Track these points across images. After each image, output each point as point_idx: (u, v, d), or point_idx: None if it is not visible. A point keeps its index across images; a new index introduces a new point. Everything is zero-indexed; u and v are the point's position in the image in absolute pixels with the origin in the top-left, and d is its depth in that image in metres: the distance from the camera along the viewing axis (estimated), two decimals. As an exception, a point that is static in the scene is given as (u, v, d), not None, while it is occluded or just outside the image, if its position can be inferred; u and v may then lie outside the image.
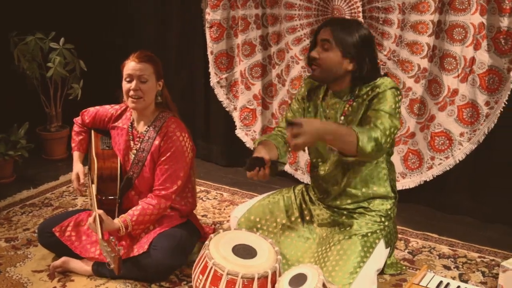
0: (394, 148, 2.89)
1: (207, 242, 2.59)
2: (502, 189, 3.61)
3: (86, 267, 2.99)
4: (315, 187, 2.99)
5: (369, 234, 2.73)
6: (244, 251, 2.55)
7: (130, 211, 2.94)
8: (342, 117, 2.74)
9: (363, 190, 2.82)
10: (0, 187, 4.17)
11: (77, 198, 3.98)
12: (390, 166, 2.87)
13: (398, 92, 2.63)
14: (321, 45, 2.67)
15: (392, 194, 2.86)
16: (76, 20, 5.01)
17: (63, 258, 3.02)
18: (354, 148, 2.42)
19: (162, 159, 2.97)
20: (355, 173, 2.80)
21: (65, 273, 3.00)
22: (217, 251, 2.51)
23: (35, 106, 4.76)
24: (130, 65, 2.95)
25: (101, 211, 2.81)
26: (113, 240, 2.73)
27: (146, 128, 3.05)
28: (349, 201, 2.85)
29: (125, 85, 2.96)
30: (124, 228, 2.87)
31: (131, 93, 2.93)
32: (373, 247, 2.70)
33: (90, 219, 2.83)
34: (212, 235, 2.64)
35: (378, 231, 2.75)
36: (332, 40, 2.64)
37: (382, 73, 2.79)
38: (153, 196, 2.97)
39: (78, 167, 3.16)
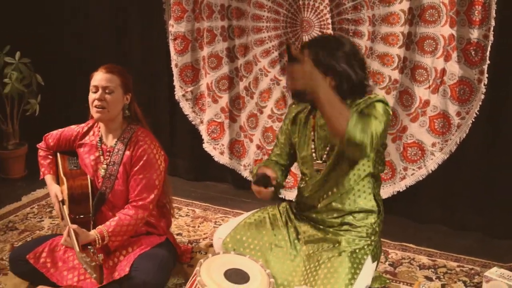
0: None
1: (197, 267, 2.52)
2: (472, 198, 3.68)
3: (64, 295, 2.88)
4: (301, 201, 2.97)
5: (357, 251, 2.71)
6: (237, 276, 2.49)
7: (107, 222, 2.86)
8: None
9: (348, 204, 2.81)
10: (-42, 211, 3.98)
11: (43, 220, 3.83)
12: (375, 180, 2.87)
13: (386, 104, 2.63)
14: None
15: (377, 208, 2.86)
16: (31, 32, 4.84)
17: (39, 287, 2.89)
18: (341, 129, 2.38)
19: (135, 169, 2.92)
20: (341, 187, 2.79)
21: (42, 303, 2.88)
22: (210, 277, 2.44)
23: (-11, 123, 4.57)
24: (97, 76, 2.92)
25: (75, 226, 2.73)
26: (91, 249, 2.67)
27: (115, 142, 2.99)
28: (335, 214, 2.83)
29: (91, 96, 2.92)
30: (100, 240, 2.79)
31: (96, 103, 2.89)
32: (362, 263, 2.69)
33: (65, 235, 2.75)
34: (201, 260, 2.56)
35: (365, 247, 2.74)
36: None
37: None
38: (130, 207, 2.91)
39: (55, 187, 3.05)
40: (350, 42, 2.77)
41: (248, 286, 2.45)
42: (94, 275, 2.59)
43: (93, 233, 2.79)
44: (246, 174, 4.34)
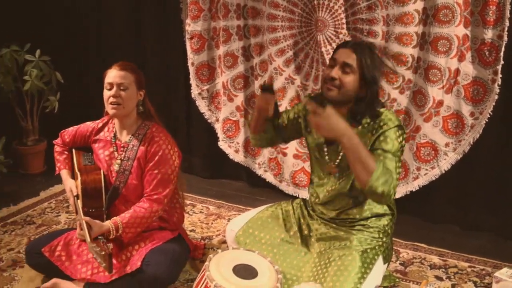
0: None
1: (206, 262, 2.56)
2: (486, 198, 3.67)
3: (77, 288, 2.93)
4: (314, 202, 2.99)
5: (368, 250, 2.73)
6: (245, 271, 2.53)
7: (121, 214, 2.92)
8: None
9: (362, 211, 2.83)
10: (-22, 205, 4.07)
11: (60, 215, 3.90)
12: None
13: (402, 131, 2.65)
14: (341, 67, 2.67)
15: (389, 211, 2.88)
16: (52, 31, 4.93)
17: (54, 280, 2.95)
18: (363, 180, 2.46)
19: (150, 164, 2.97)
20: (356, 195, 2.81)
21: (56, 296, 2.94)
22: (218, 272, 2.49)
23: (10, 120, 4.65)
24: (111, 73, 2.98)
25: (87, 218, 2.79)
26: (101, 239, 2.75)
27: (130, 137, 3.05)
28: (348, 220, 2.87)
29: (106, 93, 2.97)
30: (114, 230, 2.85)
31: (111, 99, 2.94)
32: (373, 263, 2.71)
33: (78, 228, 2.83)
34: (210, 255, 2.61)
35: (377, 247, 2.76)
36: (355, 66, 2.66)
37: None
38: (145, 200, 2.96)
39: (70, 182, 3.10)
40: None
41: (256, 282, 2.49)
42: (104, 264, 2.65)
43: (108, 223, 2.85)
44: (260, 172, 4.37)
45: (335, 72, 2.67)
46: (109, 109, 2.98)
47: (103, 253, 2.61)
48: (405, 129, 2.73)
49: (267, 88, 2.91)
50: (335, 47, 3.00)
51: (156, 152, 2.97)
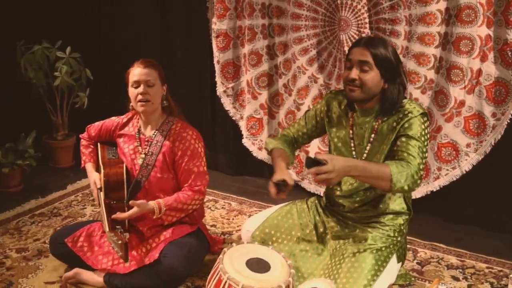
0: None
1: (220, 255, 2.61)
2: (507, 199, 3.65)
3: (98, 278, 3.01)
4: (331, 198, 3.03)
5: (383, 249, 2.75)
6: (258, 265, 2.57)
7: (165, 198, 3.00)
8: (373, 135, 2.77)
9: (380, 207, 2.86)
10: (8, 197, 4.19)
11: (85, 208, 4.01)
12: None
13: (426, 118, 2.67)
14: (359, 66, 2.68)
15: (407, 211, 2.89)
16: (82, 28, 5.05)
17: (75, 270, 3.04)
18: (387, 188, 2.51)
19: (185, 161, 3.05)
20: (371, 191, 2.84)
21: (77, 285, 3.02)
22: (231, 265, 2.53)
23: (40, 114, 4.78)
24: (136, 71, 3.04)
25: (132, 202, 2.87)
26: (119, 229, 2.82)
27: (154, 132, 3.12)
28: (365, 216, 2.89)
29: (133, 91, 3.04)
30: (158, 210, 2.92)
31: (139, 97, 3.01)
32: (387, 262, 2.72)
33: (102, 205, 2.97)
34: (225, 249, 2.65)
35: (391, 246, 2.78)
36: (372, 62, 2.67)
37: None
38: (187, 189, 3.04)
39: (94, 175, 3.17)
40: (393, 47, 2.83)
41: (268, 275, 2.52)
42: (120, 253, 2.74)
43: (152, 203, 2.93)
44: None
45: (354, 73, 2.69)
46: (138, 106, 3.05)
47: (119, 242, 2.69)
48: (428, 115, 2.72)
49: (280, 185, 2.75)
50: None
51: (187, 148, 3.05)
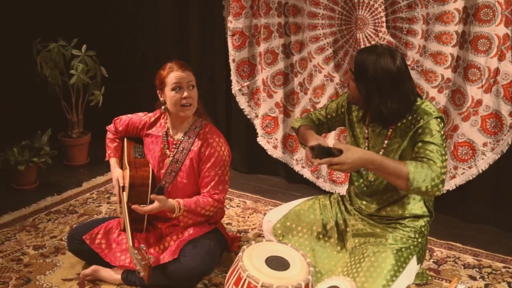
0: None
1: (240, 253, 2.62)
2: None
3: (116, 275, 3.02)
4: (352, 199, 3.03)
5: (403, 249, 2.74)
6: (277, 263, 2.58)
7: (185, 199, 2.99)
8: (386, 141, 2.77)
9: (399, 211, 2.85)
10: (24, 194, 4.22)
11: (101, 205, 4.02)
12: None
13: (440, 120, 2.63)
14: (348, 72, 2.73)
15: (428, 213, 2.88)
16: (98, 26, 5.07)
17: (93, 267, 3.06)
18: (404, 186, 2.50)
19: (207, 166, 3.04)
20: (392, 193, 2.83)
21: (95, 282, 3.04)
22: (251, 263, 2.54)
23: (56, 112, 4.80)
24: (176, 74, 2.99)
25: (154, 196, 2.88)
26: (144, 248, 2.79)
27: (183, 136, 3.09)
28: (384, 214, 2.89)
29: (175, 95, 2.98)
30: (177, 209, 2.92)
31: (184, 101, 2.98)
32: (407, 263, 2.72)
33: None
34: (244, 247, 2.66)
35: (411, 247, 2.77)
36: (351, 73, 2.70)
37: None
38: (207, 195, 3.04)
39: (117, 171, 3.17)
40: (396, 63, 2.63)
41: (288, 273, 2.53)
42: (142, 273, 2.72)
43: (173, 201, 2.93)
44: (298, 168, 4.42)
45: (344, 77, 2.70)
46: (181, 110, 3.00)
47: (143, 263, 2.69)
48: (444, 118, 2.70)
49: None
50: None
51: (212, 154, 3.03)
